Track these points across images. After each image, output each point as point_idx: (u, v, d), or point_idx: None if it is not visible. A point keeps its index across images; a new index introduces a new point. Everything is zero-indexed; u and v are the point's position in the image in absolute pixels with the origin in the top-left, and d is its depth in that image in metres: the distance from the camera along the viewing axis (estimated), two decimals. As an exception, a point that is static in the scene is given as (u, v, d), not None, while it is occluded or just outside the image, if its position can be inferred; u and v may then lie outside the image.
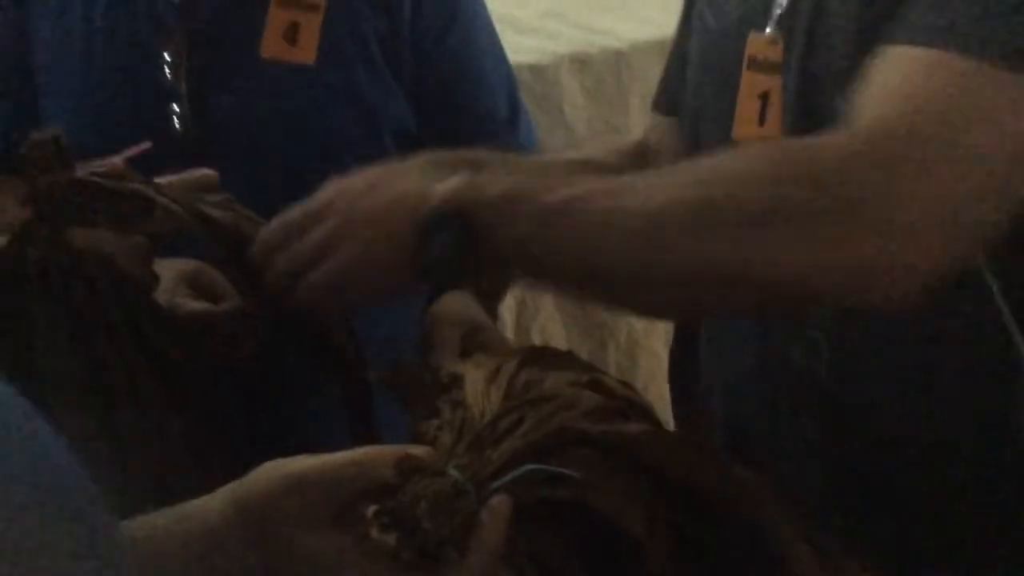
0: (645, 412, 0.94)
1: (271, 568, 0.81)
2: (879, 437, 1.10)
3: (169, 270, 1.18)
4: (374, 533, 0.80)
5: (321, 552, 0.80)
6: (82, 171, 1.12)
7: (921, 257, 0.89)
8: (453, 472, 0.82)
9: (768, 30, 1.11)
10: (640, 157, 1.31)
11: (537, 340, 2.32)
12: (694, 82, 1.22)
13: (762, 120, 1.10)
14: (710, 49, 1.20)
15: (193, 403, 1.16)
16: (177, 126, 1.38)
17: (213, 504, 0.84)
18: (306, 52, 1.40)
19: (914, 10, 0.96)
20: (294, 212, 1.06)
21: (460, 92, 1.51)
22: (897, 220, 0.88)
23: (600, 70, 2.62)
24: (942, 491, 1.08)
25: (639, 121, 2.62)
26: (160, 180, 1.17)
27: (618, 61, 2.66)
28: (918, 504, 1.09)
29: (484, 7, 1.59)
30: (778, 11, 1.11)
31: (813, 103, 1.07)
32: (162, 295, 1.16)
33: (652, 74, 2.62)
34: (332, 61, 1.41)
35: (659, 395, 1.45)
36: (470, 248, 0.95)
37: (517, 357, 0.94)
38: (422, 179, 1.00)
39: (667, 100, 1.33)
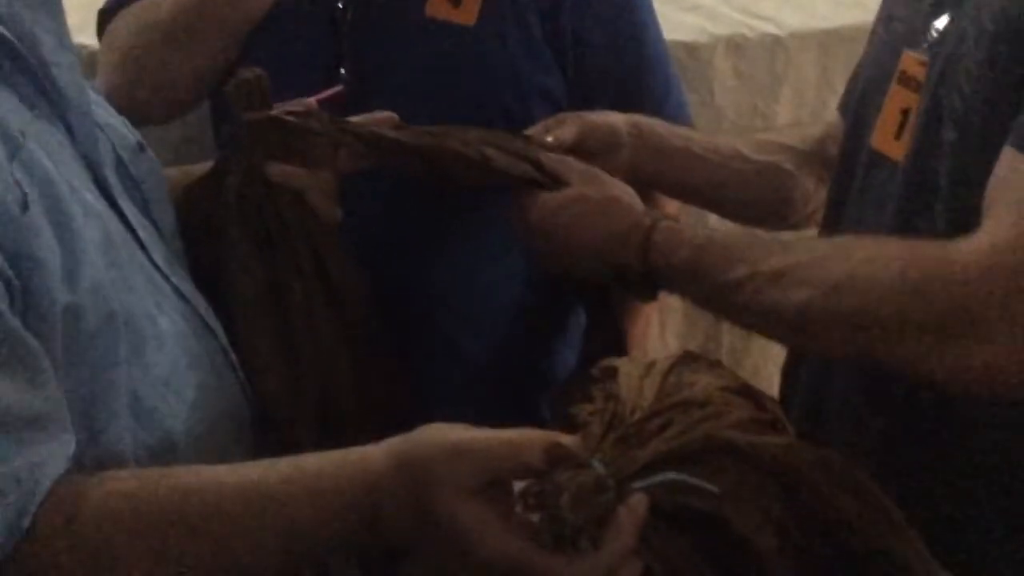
0: (786, 427, 0.94)
1: (420, 526, 0.82)
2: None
3: None
4: (518, 510, 0.82)
5: (466, 519, 0.80)
6: (279, 110, 1.14)
7: None
8: (598, 466, 0.81)
9: (920, 51, 1.12)
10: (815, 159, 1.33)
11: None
12: (859, 90, 1.24)
13: (899, 134, 1.12)
14: (876, 59, 1.21)
15: (363, 338, 1.19)
16: (343, 72, 1.37)
17: (375, 455, 0.84)
18: (467, 14, 1.38)
19: None
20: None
21: (617, 69, 1.47)
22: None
23: (755, 55, 2.57)
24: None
25: (788, 110, 2.56)
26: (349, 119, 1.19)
27: (774, 48, 2.59)
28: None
29: None
30: (933, 35, 1.11)
31: (935, 131, 1.08)
32: None
33: (807, 64, 2.55)
34: (490, 27, 1.39)
35: (769, 382, 1.44)
36: (653, 290, 1.15)
37: (671, 359, 0.95)
38: (623, 216, 1.15)
39: (845, 104, 1.33)
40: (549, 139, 1.23)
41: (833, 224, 1.22)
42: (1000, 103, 1.02)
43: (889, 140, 1.13)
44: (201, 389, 0.99)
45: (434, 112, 1.30)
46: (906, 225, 1.10)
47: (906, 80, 1.12)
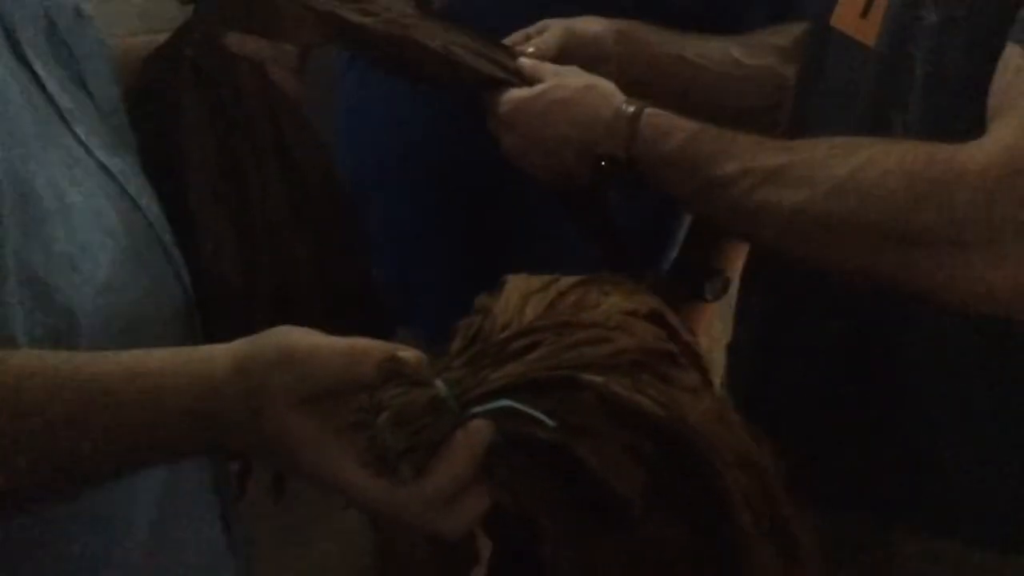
0: (697, 362, 0.82)
1: (252, 433, 0.73)
2: None
3: None
4: (351, 428, 0.74)
5: (292, 431, 0.72)
6: None
7: None
8: (440, 386, 0.71)
9: None
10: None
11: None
12: None
13: (865, 12, 1.00)
14: None
15: (324, 222, 1.12)
16: None
17: (221, 356, 0.76)
18: None
19: None
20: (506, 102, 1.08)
21: None
22: None
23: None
24: None
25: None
26: None
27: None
28: None
29: None
30: None
31: (913, 14, 0.96)
32: None
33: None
34: None
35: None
36: (637, 184, 1.04)
37: (580, 278, 0.83)
38: (604, 103, 1.04)
39: None
40: (530, 49, 1.12)
41: (798, 117, 1.09)
42: None
43: (854, 20, 1.00)
44: (116, 270, 0.90)
45: None
46: (879, 118, 0.98)
47: None
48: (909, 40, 0.96)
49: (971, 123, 0.90)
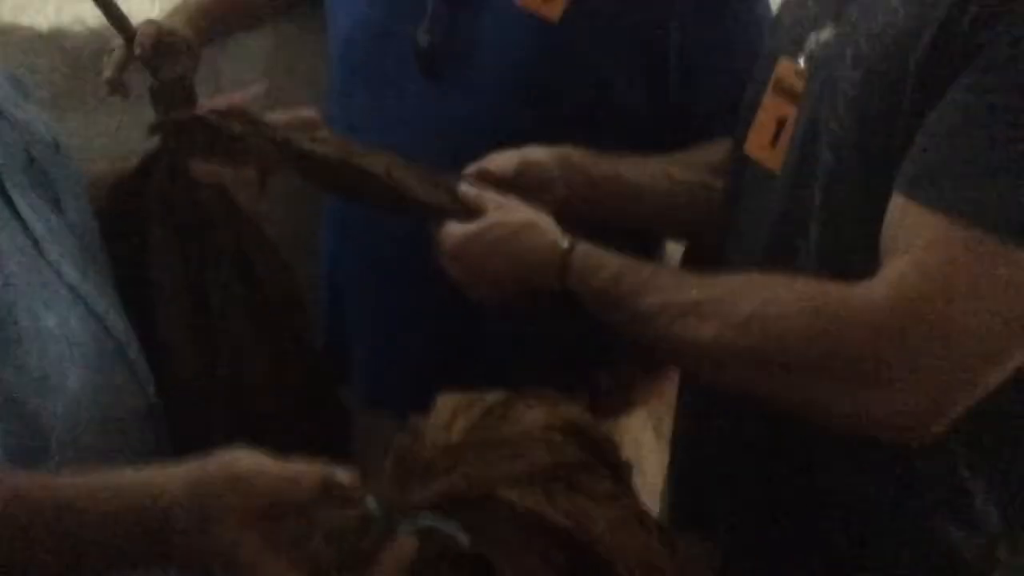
0: (619, 472, 0.91)
1: (205, 551, 0.81)
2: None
3: None
4: (291, 544, 0.82)
5: (242, 549, 0.79)
6: (202, 109, 1.15)
7: (939, 410, 0.94)
8: (369, 503, 0.78)
9: (799, 61, 1.07)
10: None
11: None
12: (745, 99, 1.18)
13: (774, 141, 1.08)
14: (759, 68, 1.15)
15: (282, 333, 1.20)
16: (421, 43, 1.36)
17: (175, 478, 0.83)
18: (554, 9, 1.34)
19: (926, 159, 0.93)
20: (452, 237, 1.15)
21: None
22: (920, 386, 0.93)
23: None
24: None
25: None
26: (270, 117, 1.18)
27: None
28: None
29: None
30: (812, 45, 1.06)
31: (811, 148, 1.03)
32: None
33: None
34: (575, 25, 1.33)
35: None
36: (571, 312, 1.12)
37: (506, 393, 0.90)
38: (539, 240, 1.13)
39: None
40: (492, 167, 1.19)
41: (722, 235, 1.16)
42: (875, 133, 0.96)
43: (764, 148, 1.07)
44: (84, 387, 0.98)
45: (507, 100, 1.30)
46: (783, 239, 1.05)
47: (781, 89, 1.06)
48: (808, 172, 1.03)
49: (865, 254, 0.97)
